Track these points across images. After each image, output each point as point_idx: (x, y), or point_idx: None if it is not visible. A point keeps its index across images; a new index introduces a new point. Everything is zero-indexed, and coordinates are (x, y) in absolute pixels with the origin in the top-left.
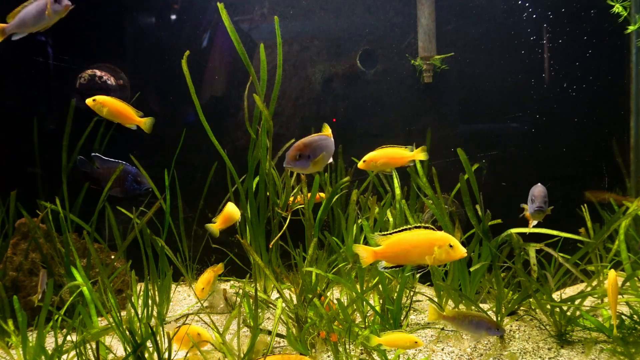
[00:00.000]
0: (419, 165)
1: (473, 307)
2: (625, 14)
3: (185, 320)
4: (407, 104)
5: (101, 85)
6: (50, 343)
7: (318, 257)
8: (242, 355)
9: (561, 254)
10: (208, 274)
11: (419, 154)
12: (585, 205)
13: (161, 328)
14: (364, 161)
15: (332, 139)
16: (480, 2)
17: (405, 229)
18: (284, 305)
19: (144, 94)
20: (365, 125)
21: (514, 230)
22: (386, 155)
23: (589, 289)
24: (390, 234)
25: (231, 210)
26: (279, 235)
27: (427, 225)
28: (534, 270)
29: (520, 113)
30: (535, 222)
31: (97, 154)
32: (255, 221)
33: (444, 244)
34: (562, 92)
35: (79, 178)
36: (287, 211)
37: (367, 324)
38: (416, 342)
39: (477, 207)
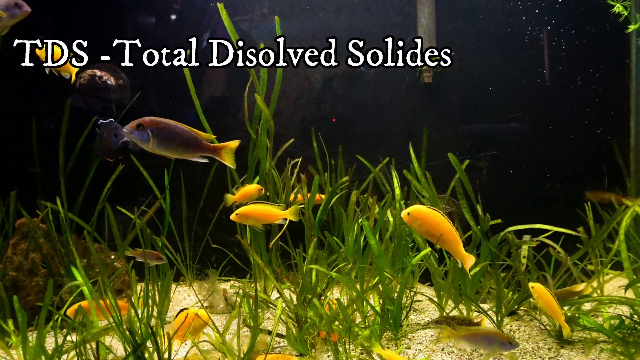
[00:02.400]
0: (417, 167)
1: (473, 307)
2: (626, 14)
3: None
4: (407, 104)
5: (101, 85)
6: (50, 343)
7: (318, 257)
8: (242, 355)
9: (561, 253)
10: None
11: (290, 214)
12: (589, 203)
13: (161, 329)
14: (236, 214)
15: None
16: (480, 2)
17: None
18: (284, 305)
19: (144, 94)
20: (365, 125)
21: (512, 229)
22: (259, 212)
23: (589, 289)
24: None
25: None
26: (279, 235)
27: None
28: (522, 263)
29: (520, 113)
30: None
31: (101, 121)
32: None
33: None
34: (562, 92)
35: (98, 152)
36: None
37: (367, 324)
38: None
39: (478, 207)
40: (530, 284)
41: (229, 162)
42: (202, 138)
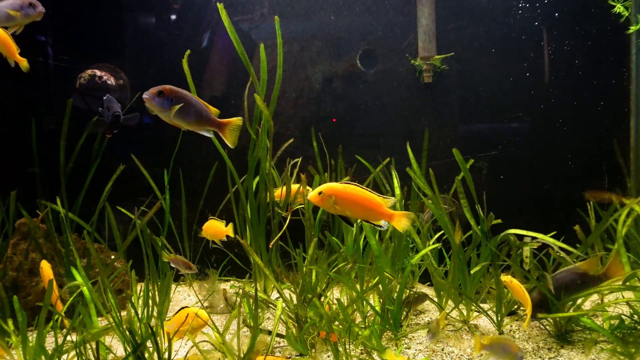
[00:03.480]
0: (415, 166)
1: (473, 307)
2: (627, 14)
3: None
4: (407, 104)
5: (101, 85)
6: (50, 343)
7: (318, 257)
8: (242, 355)
9: (562, 245)
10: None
11: (229, 231)
12: (591, 203)
13: (161, 329)
14: (201, 230)
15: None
16: (480, 2)
17: None
18: (284, 305)
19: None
20: (365, 125)
21: (511, 231)
22: (208, 228)
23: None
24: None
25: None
26: (279, 235)
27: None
28: (526, 263)
29: (520, 113)
30: None
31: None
32: (255, 221)
33: None
34: (562, 92)
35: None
36: (287, 211)
37: (367, 324)
38: None
39: (478, 207)
40: (502, 278)
41: (230, 140)
42: (211, 111)
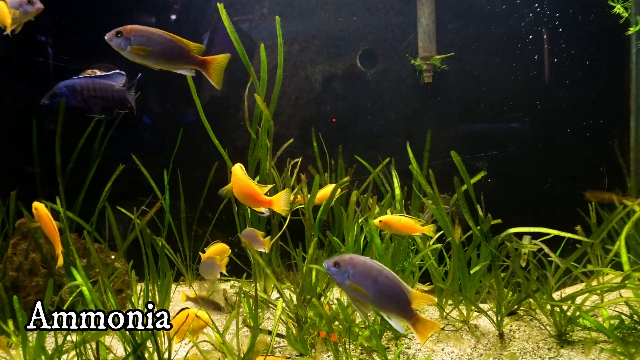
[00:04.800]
0: (415, 166)
1: (473, 307)
2: (627, 15)
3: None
4: (407, 104)
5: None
6: (50, 343)
7: (318, 257)
8: (242, 355)
9: (559, 257)
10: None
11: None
12: (592, 203)
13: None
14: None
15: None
16: (480, 2)
17: None
18: (284, 305)
19: (144, 94)
20: (365, 125)
21: (512, 231)
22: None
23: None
24: None
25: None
26: (279, 235)
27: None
28: (523, 259)
29: (520, 113)
30: None
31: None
32: (255, 221)
33: None
34: (562, 92)
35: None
36: None
37: (367, 323)
38: None
39: (478, 207)
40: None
41: (214, 79)
42: (190, 48)
